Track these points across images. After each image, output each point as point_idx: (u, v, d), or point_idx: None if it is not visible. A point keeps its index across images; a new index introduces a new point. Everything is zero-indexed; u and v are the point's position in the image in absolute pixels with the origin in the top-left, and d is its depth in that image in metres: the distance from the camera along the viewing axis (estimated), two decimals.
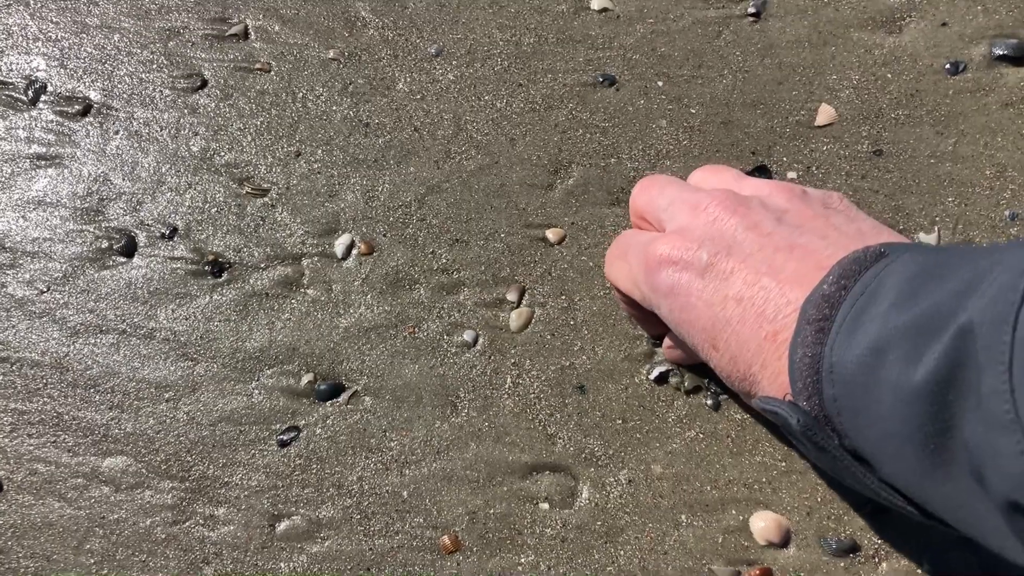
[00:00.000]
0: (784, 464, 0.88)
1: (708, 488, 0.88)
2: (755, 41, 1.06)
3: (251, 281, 0.99)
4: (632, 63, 1.06)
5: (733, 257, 0.62)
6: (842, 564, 0.84)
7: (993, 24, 1.04)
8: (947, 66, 1.03)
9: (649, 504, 0.88)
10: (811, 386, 0.50)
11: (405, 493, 0.90)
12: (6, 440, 0.95)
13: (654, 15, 1.08)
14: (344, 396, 0.94)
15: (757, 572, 0.84)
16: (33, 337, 0.99)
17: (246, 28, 1.11)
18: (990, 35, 1.04)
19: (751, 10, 1.07)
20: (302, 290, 0.99)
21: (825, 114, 1.01)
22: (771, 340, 0.55)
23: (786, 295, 0.55)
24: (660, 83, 1.05)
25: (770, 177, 0.98)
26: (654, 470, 0.89)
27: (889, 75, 1.03)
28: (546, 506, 0.89)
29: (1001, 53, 1.02)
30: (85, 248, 1.02)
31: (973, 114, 1.00)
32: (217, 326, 0.98)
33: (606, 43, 1.07)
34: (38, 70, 1.11)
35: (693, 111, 1.03)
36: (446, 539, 0.88)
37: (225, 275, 1.00)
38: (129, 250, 1.02)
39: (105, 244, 1.02)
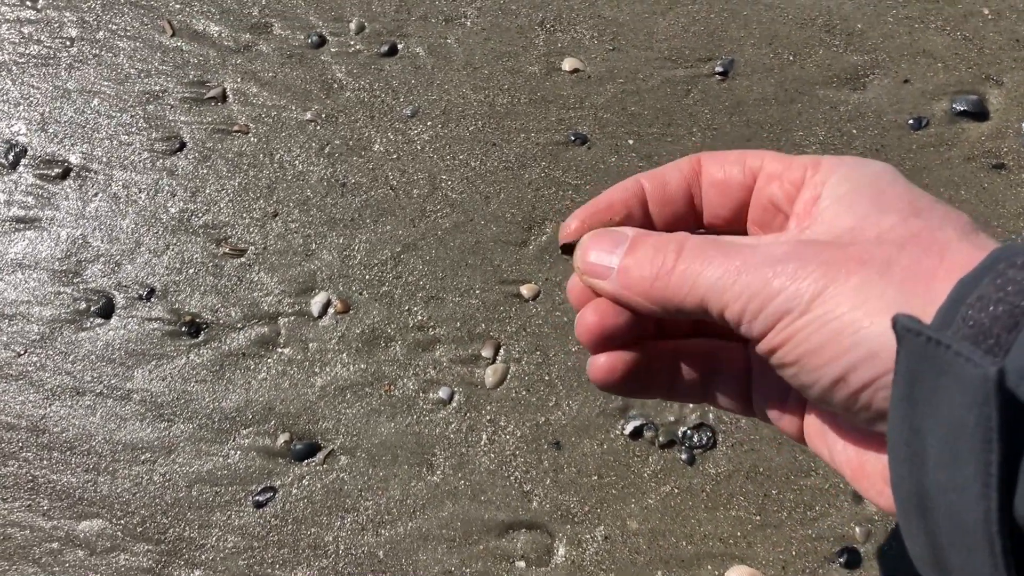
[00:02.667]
0: (759, 518, 0.88)
1: (684, 543, 0.88)
2: (723, 99, 1.09)
3: (228, 341, 1.00)
4: (603, 122, 1.08)
5: None
6: None
7: (953, 81, 1.07)
8: (910, 121, 1.05)
9: (626, 560, 0.88)
10: (992, 339, 0.32)
11: (381, 553, 0.90)
12: None
13: (624, 75, 1.11)
14: (320, 455, 0.94)
15: None
16: (9, 400, 0.99)
17: (224, 91, 1.13)
18: (951, 91, 1.07)
19: (719, 69, 1.10)
20: (278, 349, 0.99)
21: None
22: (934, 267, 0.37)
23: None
24: (631, 141, 1.07)
25: None
26: (630, 526, 0.89)
27: (854, 131, 1.06)
28: (523, 564, 0.88)
29: (962, 109, 1.05)
30: (63, 310, 1.03)
31: (937, 168, 1.03)
32: (194, 387, 0.98)
33: (577, 103, 1.10)
34: (19, 134, 1.12)
35: None
36: None
37: (202, 335, 1.01)
38: (107, 312, 1.02)
39: (83, 306, 1.03)
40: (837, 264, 0.37)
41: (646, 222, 0.49)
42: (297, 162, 1.09)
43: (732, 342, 0.50)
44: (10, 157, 1.11)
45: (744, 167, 0.47)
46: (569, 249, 0.49)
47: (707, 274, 0.40)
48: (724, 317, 0.40)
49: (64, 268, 1.05)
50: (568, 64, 1.12)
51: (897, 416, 0.34)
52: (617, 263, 0.45)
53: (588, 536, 0.89)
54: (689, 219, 0.49)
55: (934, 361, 0.31)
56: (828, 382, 0.37)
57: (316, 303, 1.01)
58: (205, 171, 1.09)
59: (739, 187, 0.47)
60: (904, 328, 0.32)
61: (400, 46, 1.15)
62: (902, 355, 0.33)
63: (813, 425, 0.46)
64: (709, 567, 0.87)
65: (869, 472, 0.41)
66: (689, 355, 0.50)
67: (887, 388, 0.35)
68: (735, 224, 0.49)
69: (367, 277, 1.02)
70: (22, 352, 1.01)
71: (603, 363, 0.47)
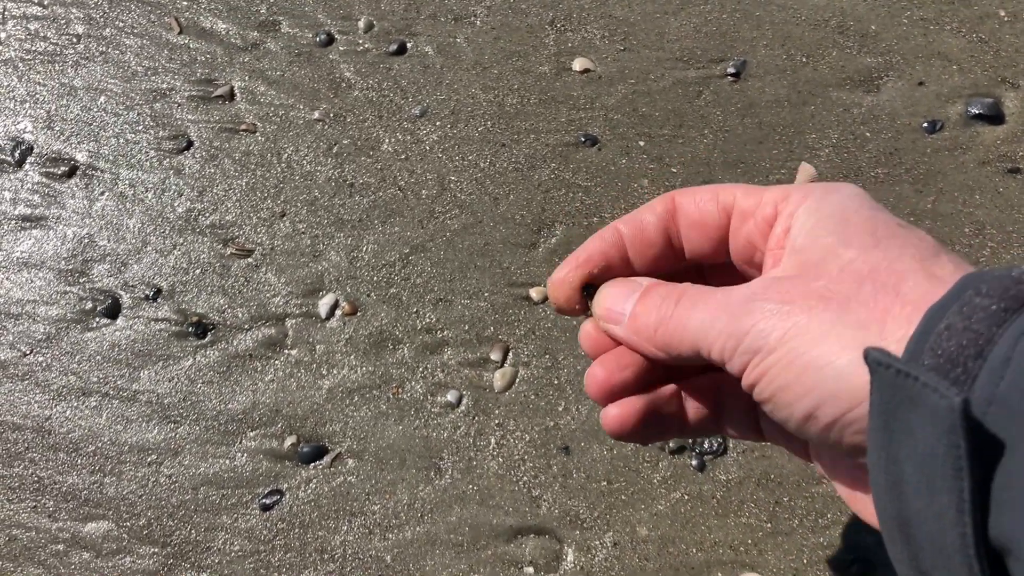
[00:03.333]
0: (770, 525, 0.87)
1: (694, 550, 0.87)
2: (735, 101, 1.08)
3: (235, 342, 0.99)
4: (614, 123, 1.07)
5: None
6: None
7: (968, 83, 1.06)
8: (924, 125, 1.04)
9: (635, 567, 0.87)
10: (959, 367, 0.33)
11: (388, 558, 0.89)
12: None
13: (635, 76, 1.10)
14: (327, 459, 0.94)
15: None
16: (15, 400, 0.98)
17: (232, 89, 1.13)
18: (966, 94, 1.05)
19: (731, 70, 1.09)
20: (286, 351, 0.99)
21: (805, 173, 1.02)
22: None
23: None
24: (641, 143, 1.06)
25: None
26: (639, 532, 0.88)
27: (868, 133, 1.05)
28: (531, 570, 0.88)
29: (977, 112, 1.04)
30: (69, 310, 1.02)
31: (951, 172, 1.02)
32: (200, 388, 0.98)
33: (588, 103, 1.09)
34: (25, 132, 1.12)
35: (674, 170, 1.04)
36: None
37: (209, 336, 1.00)
38: (113, 312, 1.02)
39: (89, 306, 1.02)
40: (799, 302, 0.39)
41: (626, 267, 0.51)
42: (305, 162, 1.08)
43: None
44: (16, 155, 1.10)
45: (717, 204, 0.48)
46: (577, 304, 0.52)
47: (694, 319, 0.43)
48: (712, 358, 0.42)
49: (70, 267, 1.04)
50: (578, 64, 1.11)
51: (875, 447, 0.35)
52: (629, 310, 0.48)
53: (597, 542, 0.88)
54: (669, 258, 0.51)
55: (905, 393, 0.32)
56: (800, 418, 0.39)
57: (324, 304, 1.00)
58: (212, 170, 1.08)
59: (715, 227, 0.49)
60: (875, 361, 0.33)
61: (409, 45, 1.14)
62: (875, 388, 0.34)
63: (815, 448, 0.47)
64: (719, 574, 0.86)
65: (860, 496, 0.43)
66: (697, 392, 0.51)
67: (854, 424, 0.37)
68: (717, 256, 0.50)
69: (375, 279, 1.01)
70: (28, 352, 1.01)
71: (615, 414, 0.49)
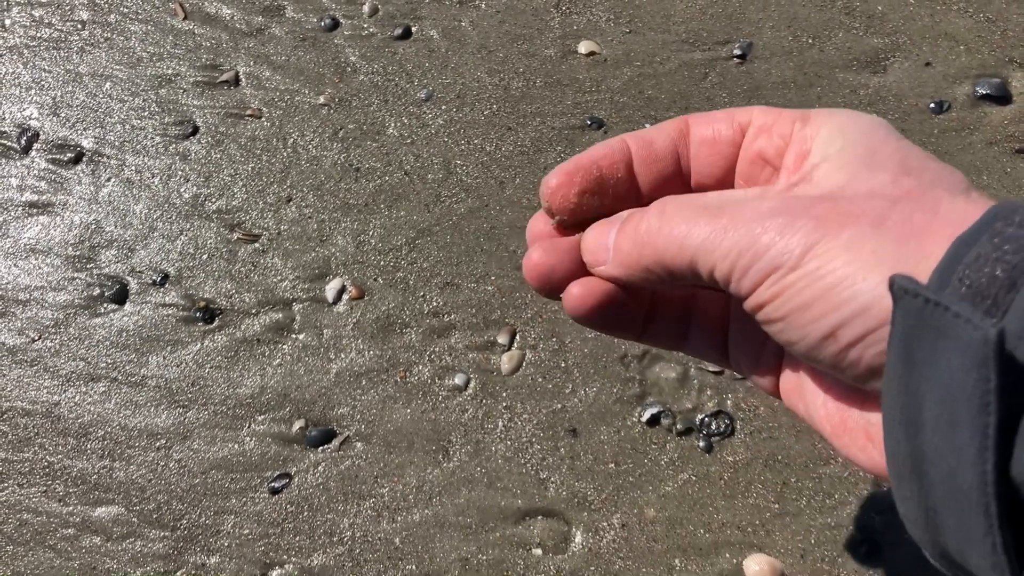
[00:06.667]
0: (777, 506, 0.88)
1: (701, 531, 0.87)
2: (741, 83, 1.07)
3: (242, 327, 1.00)
4: (620, 106, 1.07)
5: None
6: None
7: (976, 64, 1.05)
8: (932, 105, 1.04)
9: (643, 548, 0.87)
10: (989, 299, 0.32)
11: (397, 540, 0.90)
12: None
13: (641, 58, 1.09)
14: (335, 442, 0.94)
15: None
16: (24, 386, 0.99)
17: (237, 75, 1.12)
18: (973, 75, 1.05)
19: (737, 52, 1.08)
20: (293, 335, 0.99)
21: None
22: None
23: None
24: (648, 125, 1.05)
25: None
26: (647, 514, 0.89)
27: (874, 115, 1.04)
28: (539, 552, 0.88)
29: (984, 92, 1.03)
30: (77, 296, 1.02)
31: (959, 153, 1.01)
32: (208, 373, 0.98)
33: (594, 86, 1.08)
34: (31, 119, 1.12)
35: None
36: None
37: (216, 321, 1.00)
38: (121, 297, 1.02)
39: (97, 291, 1.02)
40: (828, 218, 0.36)
41: (630, 182, 0.48)
42: (311, 147, 1.08)
43: (712, 290, 0.48)
44: (22, 142, 1.10)
45: (732, 123, 0.46)
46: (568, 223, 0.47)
47: (695, 234, 0.39)
48: (713, 276, 0.39)
49: (77, 253, 1.04)
50: (584, 47, 1.11)
51: (892, 379, 0.33)
52: (612, 241, 0.44)
53: (605, 524, 0.89)
54: (676, 180, 0.48)
55: (932, 322, 0.30)
56: (816, 338, 0.37)
57: (331, 289, 1.00)
58: (218, 156, 1.08)
59: (728, 143, 0.46)
60: (901, 289, 0.31)
61: (414, 29, 1.14)
62: (899, 316, 0.32)
63: (789, 381, 0.45)
64: (727, 555, 0.86)
65: (851, 427, 0.41)
66: (667, 299, 0.48)
67: (878, 344, 0.35)
68: (725, 184, 0.48)
69: (382, 263, 1.01)
70: (37, 338, 1.01)
71: (577, 293, 0.45)
